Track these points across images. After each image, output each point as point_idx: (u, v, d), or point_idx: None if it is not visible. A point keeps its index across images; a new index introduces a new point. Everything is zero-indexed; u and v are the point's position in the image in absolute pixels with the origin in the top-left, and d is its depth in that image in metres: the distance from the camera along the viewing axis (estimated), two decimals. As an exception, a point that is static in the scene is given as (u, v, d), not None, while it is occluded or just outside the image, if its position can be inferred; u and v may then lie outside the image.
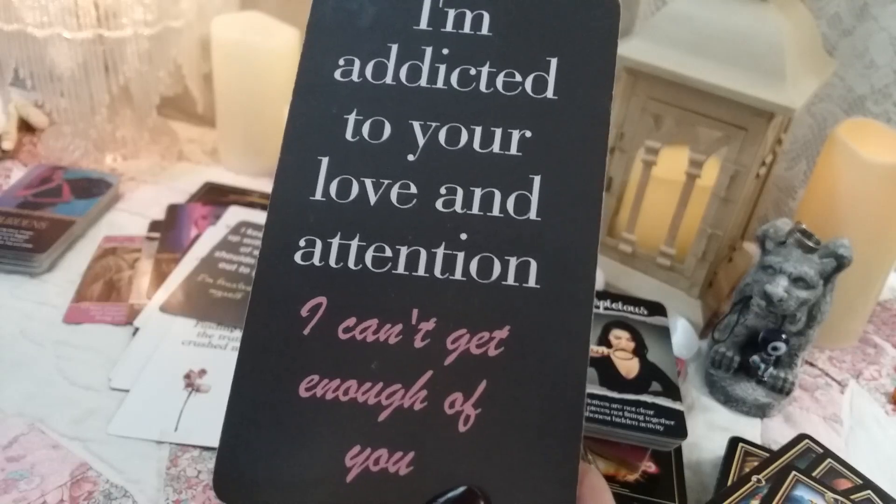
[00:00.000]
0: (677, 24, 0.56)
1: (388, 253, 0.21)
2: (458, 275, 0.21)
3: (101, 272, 0.61)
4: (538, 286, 0.20)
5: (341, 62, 0.22)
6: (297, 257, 0.21)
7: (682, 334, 0.59)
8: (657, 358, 0.50)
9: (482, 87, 0.22)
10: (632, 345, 0.51)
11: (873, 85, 0.65)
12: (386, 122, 0.22)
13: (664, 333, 0.52)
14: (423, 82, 0.22)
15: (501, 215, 0.21)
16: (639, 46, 0.56)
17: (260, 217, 0.69)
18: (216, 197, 0.73)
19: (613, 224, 0.66)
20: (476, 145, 0.22)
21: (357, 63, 0.22)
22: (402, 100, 0.22)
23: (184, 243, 0.65)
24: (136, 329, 0.55)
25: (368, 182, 0.21)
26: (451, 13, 0.22)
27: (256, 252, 0.63)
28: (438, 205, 0.21)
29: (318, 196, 0.21)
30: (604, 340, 0.51)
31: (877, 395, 0.59)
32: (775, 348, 0.55)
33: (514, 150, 0.21)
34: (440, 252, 0.21)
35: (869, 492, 0.46)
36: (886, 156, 0.55)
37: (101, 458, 0.46)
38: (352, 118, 0.22)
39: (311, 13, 0.23)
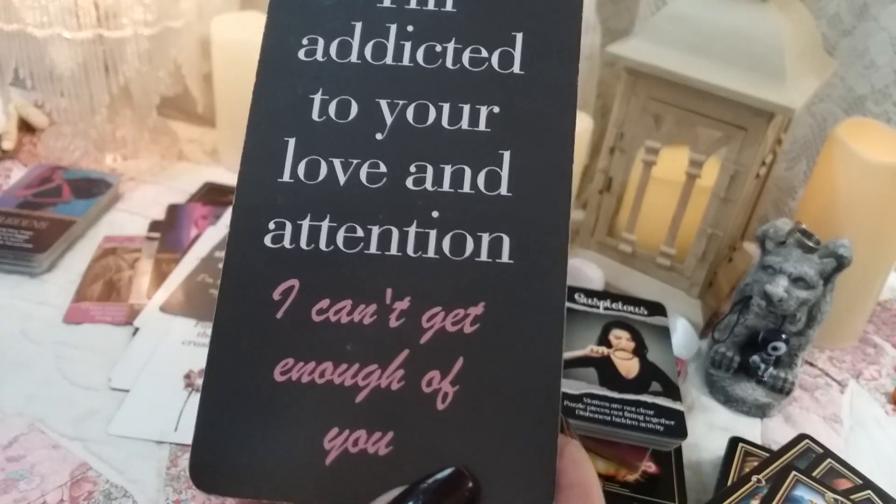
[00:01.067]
0: (677, 24, 0.56)
1: (360, 233, 0.21)
2: (431, 252, 0.20)
3: (101, 272, 0.61)
4: (511, 261, 0.20)
5: (305, 41, 0.22)
6: (267, 240, 0.21)
7: (682, 334, 0.59)
8: (657, 358, 0.50)
9: (448, 64, 0.22)
10: (632, 345, 0.51)
11: (873, 85, 0.65)
12: (352, 101, 0.22)
13: (664, 333, 0.52)
14: (388, 60, 0.22)
15: (472, 192, 0.21)
16: (639, 46, 0.56)
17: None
18: (216, 197, 0.73)
19: (613, 224, 0.66)
20: (444, 122, 0.21)
21: (321, 42, 0.22)
22: (368, 78, 0.22)
23: (184, 243, 0.65)
24: (136, 329, 0.55)
25: (337, 162, 0.21)
26: None
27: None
28: (409, 183, 0.21)
29: (286, 178, 0.21)
30: (604, 340, 0.51)
31: (877, 395, 0.59)
32: (775, 348, 0.55)
33: (482, 126, 0.21)
34: (412, 230, 0.21)
35: (869, 492, 0.46)
36: (886, 156, 0.55)
37: (101, 458, 0.46)
38: (317, 98, 0.22)
39: None
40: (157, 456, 0.46)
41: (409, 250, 0.20)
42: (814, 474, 0.46)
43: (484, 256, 0.20)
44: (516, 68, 0.22)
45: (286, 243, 0.20)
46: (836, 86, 0.67)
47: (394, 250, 0.20)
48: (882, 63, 0.64)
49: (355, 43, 0.22)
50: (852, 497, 0.45)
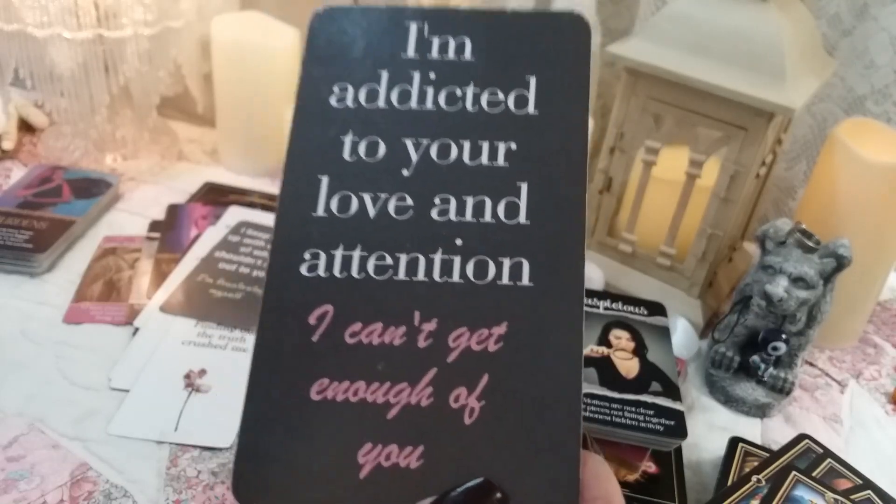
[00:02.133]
0: (677, 24, 0.56)
1: (389, 261, 0.22)
2: (455, 277, 0.22)
3: (101, 272, 0.61)
4: (531, 284, 0.22)
5: (336, 89, 0.24)
6: (303, 269, 0.22)
7: (682, 334, 0.59)
8: (657, 358, 0.50)
9: (468, 106, 0.24)
10: (632, 345, 0.51)
11: (873, 85, 0.65)
12: (380, 141, 0.24)
13: (664, 333, 0.52)
14: (412, 104, 0.24)
15: (493, 221, 0.23)
16: (639, 46, 0.56)
17: (260, 217, 0.69)
18: (216, 197, 0.73)
19: (613, 224, 0.66)
20: (466, 158, 0.23)
21: (350, 89, 0.24)
22: (394, 121, 0.24)
23: (184, 243, 0.65)
24: (136, 329, 0.55)
25: (367, 196, 0.23)
26: (436, 41, 0.24)
27: (256, 252, 0.64)
28: (433, 214, 0.23)
29: (320, 212, 0.23)
30: (604, 340, 0.51)
31: (877, 395, 0.59)
32: (775, 348, 0.55)
33: (501, 161, 0.23)
34: (438, 257, 0.22)
35: (869, 492, 0.46)
36: (886, 156, 0.55)
37: (101, 458, 0.46)
38: (348, 139, 0.24)
39: (306, 45, 0.25)
40: (157, 456, 0.46)
41: (436, 276, 0.22)
42: (814, 474, 0.46)
43: (505, 280, 0.22)
44: (531, 109, 0.23)
45: (321, 272, 0.22)
46: (836, 86, 0.67)
47: (421, 276, 0.22)
48: (882, 63, 0.64)
49: (382, 89, 0.24)
50: (852, 497, 0.45)
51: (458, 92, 0.24)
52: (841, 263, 0.51)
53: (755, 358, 0.56)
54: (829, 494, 0.44)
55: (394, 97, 0.24)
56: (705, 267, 0.61)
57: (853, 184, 0.56)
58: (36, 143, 0.78)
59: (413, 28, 0.24)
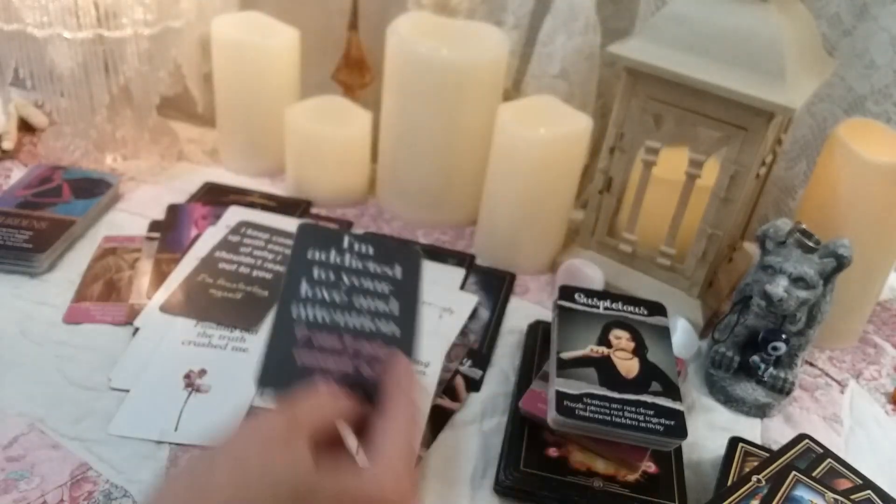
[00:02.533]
0: (677, 24, 0.56)
1: (337, 318, 0.41)
2: (367, 328, 0.41)
3: (101, 272, 0.61)
4: (399, 332, 0.41)
5: (310, 251, 0.43)
6: (293, 314, 0.40)
7: (682, 334, 0.59)
8: (657, 358, 0.50)
9: (370, 271, 0.43)
10: (632, 345, 0.51)
11: (873, 85, 0.65)
12: (330, 275, 0.42)
13: (664, 333, 0.52)
14: (344, 264, 0.43)
15: (384, 313, 0.42)
16: (639, 46, 0.56)
17: (260, 217, 0.69)
18: (216, 197, 0.73)
19: (613, 224, 0.66)
20: (369, 288, 0.42)
21: (319, 253, 0.43)
22: (335, 272, 0.42)
23: (184, 243, 0.65)
24: (136, 329, 0.55)
25: (325, 292, 0.42)
26: (356, 243, 0.43)
27: (256, 252, 0.64)
28: (357, 306, 0.41)
29: (302, 294, 0.41)
30: (604, 340, 0.51)
31: (877, 395, 0.59)
32: (775, 348, 0.55)
33: (386, 291, 0.42)
34: (360, 320, 0.41)
35: (869, 492, 0.46)
36: (886, 156, 0.55)
37: (101, 458, 0.46)
38: (315, 272, 0.42)
39: (297, 234, 0.43)
40: (157, 456, 0.46)
41: (358, 326, 0.40)
42: (814, 474, 0.46)
43: (392, 330, 0.41)
44: (398, 276, 0.43)
45: (302, 317, 0.40)
46: (836, 86, 0.67)
47: (351, 325, 0.40)
48: (882, 63, 0.64)
49: (332, 257, 0.43)
50: (852, 497, 0.45)
51: (367, 265, 0.43)
52: (841, 263, 0.51)
53: (755, 358, 0.56)
54: (829, 494, 0.44)
55: (337, 260, 0.43)
56: (705, 267, 0.61)
57: (853, 184, 0.57)
58: (36, 143, 0.78)
59: (346, 238, 0.43)
